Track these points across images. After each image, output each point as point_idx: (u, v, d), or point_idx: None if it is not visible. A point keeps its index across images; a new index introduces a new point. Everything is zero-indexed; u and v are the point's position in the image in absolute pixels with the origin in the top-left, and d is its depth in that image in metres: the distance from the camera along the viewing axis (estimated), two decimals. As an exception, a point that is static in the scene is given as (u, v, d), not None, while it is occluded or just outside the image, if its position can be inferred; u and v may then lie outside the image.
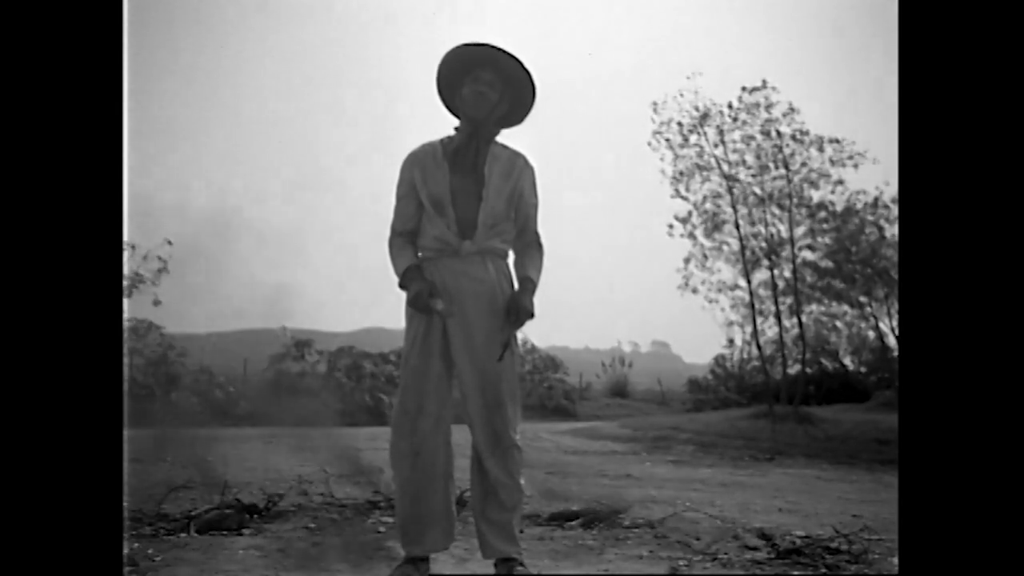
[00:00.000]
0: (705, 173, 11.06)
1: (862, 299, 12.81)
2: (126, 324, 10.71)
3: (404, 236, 2.25)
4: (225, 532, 2.77)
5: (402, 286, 2.18)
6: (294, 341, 12.88)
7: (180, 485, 3.48)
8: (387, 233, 2.27)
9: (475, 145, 2.20)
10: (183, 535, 2.69)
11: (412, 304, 2.13)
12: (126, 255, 10.28)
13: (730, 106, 10.88)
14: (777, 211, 11.05)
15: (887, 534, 2.95)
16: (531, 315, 2.16)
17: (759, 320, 12.06)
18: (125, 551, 2.36)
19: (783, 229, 11.12)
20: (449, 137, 2.24)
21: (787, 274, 11.42)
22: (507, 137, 2.28)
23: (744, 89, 10.85)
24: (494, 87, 2.17)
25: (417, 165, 2.22)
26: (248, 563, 2.35)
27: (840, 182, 11.02)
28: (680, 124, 11.00)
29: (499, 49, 2.14)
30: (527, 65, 2.17)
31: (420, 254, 2.25)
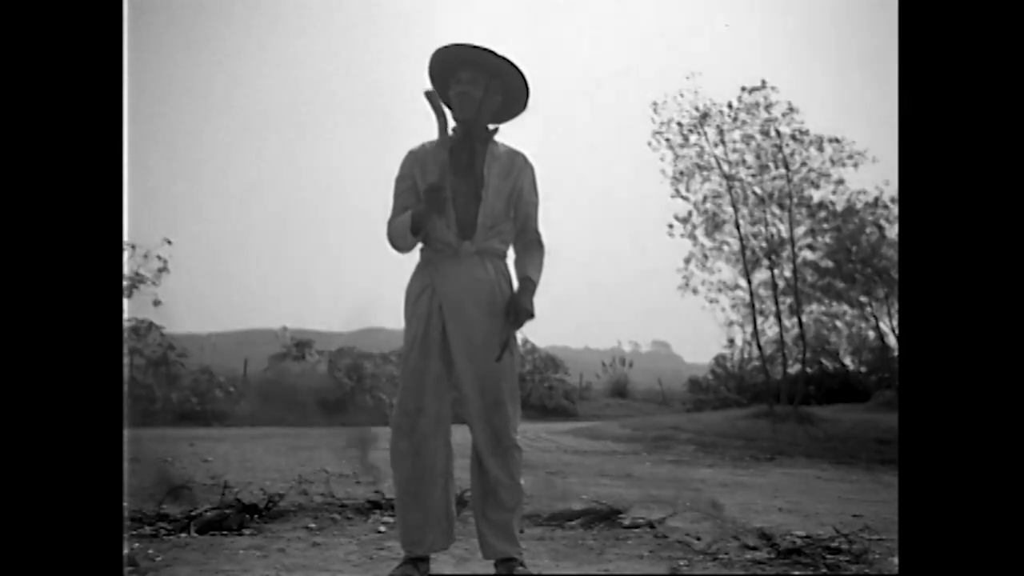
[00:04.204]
0: (705, 173, 11.06)
1: (862, 299, 12.82)
2: (126, 324, 10.70)
3: None
4: (225, 532, 2.77)
5: (415, 229, 2.12)
6: (294, 341, 12.87)
7: (180, 485, 3.48)
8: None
9: (470, 146, 2.20)
10: (183, 535, 2.69)
11: (431, 204, 2.05)
12: (126, 255, 10.29)
13: (730, 106, 10.88)
14: (777, 211, 11.05)
15: (887, 534, 2.95)
16: (531, 315, 2.15)
17: (759, 320, 12.06)
18: (125, 551, 2.36)
19: (783, 229, 11.13)
20: (449, 137, 2.24)
21: (787, 274, 11.42)
22: (508, 136, 2.28)
23: (744, 89, 10.85)
24: (476, 84, 2.17)
25: (418, 163, 2.22)
26: (248, 563, 2.35)
27: (840, 182, 11.03)
28: (680, 124, 11.01)
29: (472, 46, 2.13)
30: (504, 52, 2.14)
31: (420, 253, 2.24)
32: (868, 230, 11.45)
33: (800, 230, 11.22)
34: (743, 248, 11.06)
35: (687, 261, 11.63)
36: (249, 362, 13.31)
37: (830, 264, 11.64)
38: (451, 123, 2.20)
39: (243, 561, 2.38)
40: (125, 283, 10.15)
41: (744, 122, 10.87)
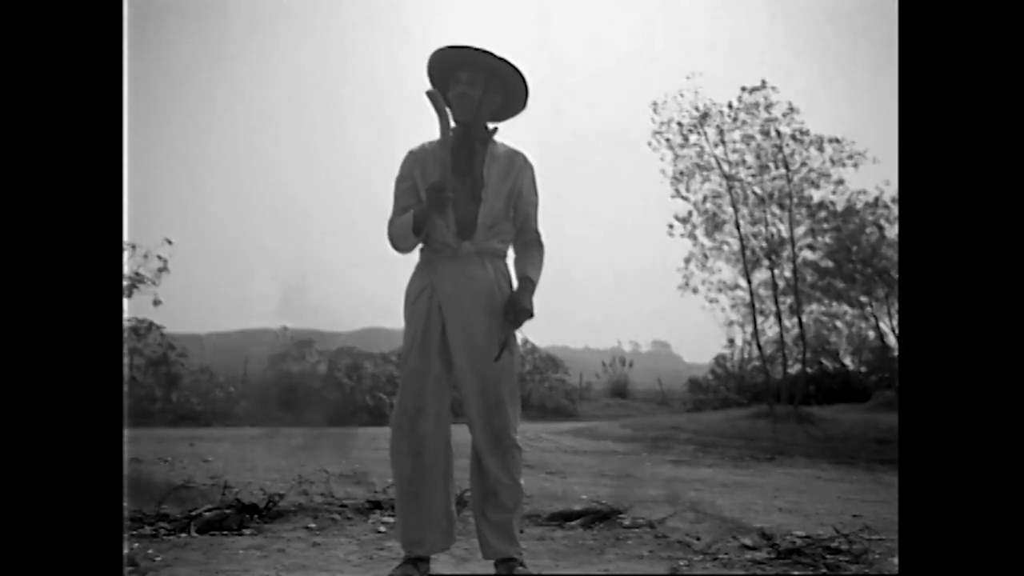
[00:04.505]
0: (705, 173, 11.08)
1: (862, 299, 12.84)
2: (126, 324, 10.69)
3: None
4: (225, 532, 2.77)
5: (417, 229, 2.13)
6: (294, 341, 12.86)
7: (180, 485, 3.48)
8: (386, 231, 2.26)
9: (469, 146, 2.20)
10: (183, 535, 2.69)
11: (433, 203, 2.05)
12: (126, 255, 10.27)
13: (730, 106, 10.90)
14: (777, 211, 11.07)
15: (887, 534, 2.95)
16: (530, 315, 2.16)
17: (759, 320, 12.07)
18: (125, 551, 2.36)
19: (783, 229, 11.14)
20: (449, 138, 2.24)
21: (787, 274, 11.43)
22: (509, 137, 2.28)
23: (744, 89, 10.86)
24: (475, 84, 2.17)
25: (417, 164, 2.22)
26: (248, 563, 2.35)
27: (840, 182, 11.06)
28: (680, 124, 11.02)
29: (470, 47, 2.14)
30: (504, 52, 2.15)
31: (419, 253, 2.24)
32: (868, 230, 11.47)
33: (800, 230, 11.25)
34: (743, 248, 11.07)
35: (687, 261, 11.65)
36: (249, 362, 13.30)
37: (830, 264, 11.66)
38: (451, 123, 2.20)
39: (243, 561, 2.38)
40: (125, 283, 10.13)
41: (744, 122, 10.89)
